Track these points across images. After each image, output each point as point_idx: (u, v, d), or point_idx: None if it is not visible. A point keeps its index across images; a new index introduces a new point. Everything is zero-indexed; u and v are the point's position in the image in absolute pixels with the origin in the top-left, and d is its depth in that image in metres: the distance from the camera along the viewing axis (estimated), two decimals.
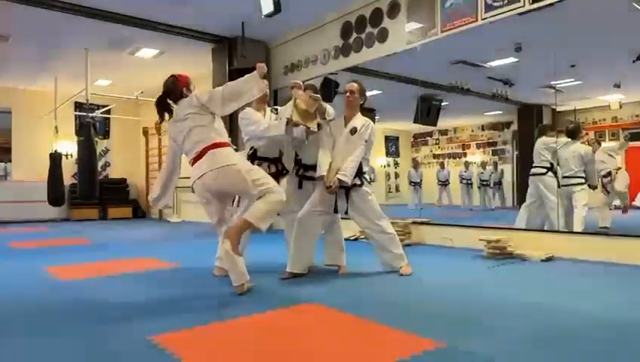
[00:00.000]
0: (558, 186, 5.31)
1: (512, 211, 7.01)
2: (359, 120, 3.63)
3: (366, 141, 3.54)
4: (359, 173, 3.53)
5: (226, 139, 3.09)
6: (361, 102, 3.69)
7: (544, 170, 5.34)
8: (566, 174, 5.28)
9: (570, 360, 1.84)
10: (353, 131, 3.57)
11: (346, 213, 3.58)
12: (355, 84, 3.67)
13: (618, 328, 2.24)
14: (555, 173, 5.36)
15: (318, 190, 3.58)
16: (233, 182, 3.00)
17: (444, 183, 10.69)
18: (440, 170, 10.73)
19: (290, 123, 3.36)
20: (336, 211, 3.58)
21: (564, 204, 5.17)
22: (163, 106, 3.08)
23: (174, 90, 3.05)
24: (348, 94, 3.64)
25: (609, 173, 5.69)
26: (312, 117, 3.47)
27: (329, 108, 3.65)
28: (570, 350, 1.95)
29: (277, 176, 3.72)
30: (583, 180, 5.21)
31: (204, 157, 2.95)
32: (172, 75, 3.11)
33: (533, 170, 5.44)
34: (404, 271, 3.58)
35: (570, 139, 5.35)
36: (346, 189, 3.51)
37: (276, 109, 3.88)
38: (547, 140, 5.41)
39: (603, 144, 6.26)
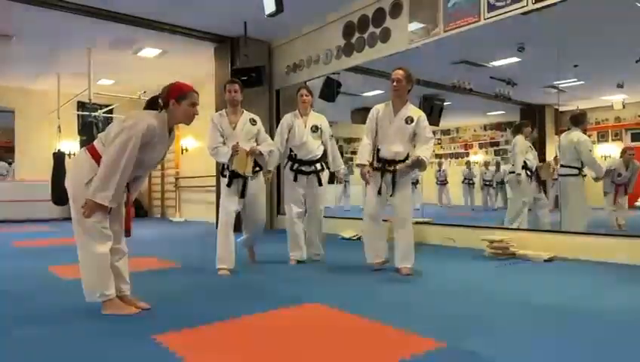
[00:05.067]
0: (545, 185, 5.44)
1: None
2: (413, 110, 3.65)
3: (431, 132, 3.65)
4: (406, 159, 3.65)
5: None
6: (409, 89, 3.66)
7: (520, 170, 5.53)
8: (562, 163, 5.25)
9: (572, 360, 1.84)
10: (409, 120, 3.60)
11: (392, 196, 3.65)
12: (401, 71, 3.62)
13: (620, 328, 2.24)
14: (530, 171, 5.57)
15: (372, 184, 3.68)
16: None
17: (442, 183, 10.72)
18: (438, 170, 10.77)
19: (234, 155, 3.68)
20: (379, 193, 3.68)
21: (563, 196, 5.16)
22: (150, 105, 2.63)
23: (163, 96, 2.58)
24: (395, 83, 3.59)
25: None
26: (246, 165, 3.73)
27: (271, 159, 3.91)
28: (572, 350, 1.95)
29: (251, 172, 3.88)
30: (576, 170, 5.12)
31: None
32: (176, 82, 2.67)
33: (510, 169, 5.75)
34: (405, 271, 3.58)
35: (573, 126, 5.27)
36: (392, 174, 3.60)
37: (255, 121, 3.92)
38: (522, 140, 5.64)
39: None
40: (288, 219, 4.26)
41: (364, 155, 3.67)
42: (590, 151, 5.14)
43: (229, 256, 3.76)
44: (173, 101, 2.53)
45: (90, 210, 2.36)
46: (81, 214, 2.40)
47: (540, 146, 7.37)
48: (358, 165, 3.69)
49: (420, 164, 3.51)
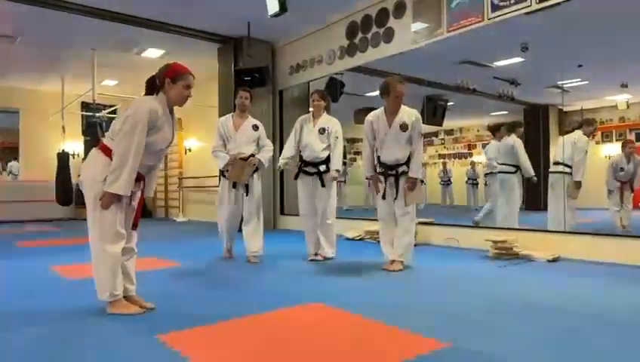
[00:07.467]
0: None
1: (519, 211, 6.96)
2: (407, 114, 3.73)
3: (421, 134, 3.76)
4: (408, 160, 3.75)
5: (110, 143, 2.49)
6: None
7: (513, 169, 5.67)
8: (557, 160, 5.24)
9: (576, 360, 1.84)
10: (404, 127, 3.69)
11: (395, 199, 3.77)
12: (404, 86, 3.72)
13: (622, 329, 2.23)
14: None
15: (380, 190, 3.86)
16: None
17: (446, 183, 10.72)
18: (442, 170, 10.76)
19: (229, 164, 4.10)
20: (384, 198, 3.83)
21: (556, 195, 5.15)
22: (149, 88, 2.61)
23: (159, 75, 2.56)
24: (401, 99, 3.69)
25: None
26: (241, 175, 4.13)
27: (263, 160, 4.18)
28: (576, 351, 1.94)
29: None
30: (569, 169, 5.10)
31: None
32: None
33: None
34: (394, 267, 3.71)
35: (576, 128, 5.31)
36: (395, 177, 3.74)
37: (257, 127, 4.25)
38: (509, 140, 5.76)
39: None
40: (300, 216, 4.47)
41: (368, 168, 3.91)
42: (586, 152, 5.15)
43: (231, 243, 4.29)
44: (168, 80, 2.54)
45: (108, 202, 2.38)
46: (97, 213, 2.42)
47: (544, 146, 7.35)
48: (366, 178, 3.96)
49: (417, 184, 3.74)
